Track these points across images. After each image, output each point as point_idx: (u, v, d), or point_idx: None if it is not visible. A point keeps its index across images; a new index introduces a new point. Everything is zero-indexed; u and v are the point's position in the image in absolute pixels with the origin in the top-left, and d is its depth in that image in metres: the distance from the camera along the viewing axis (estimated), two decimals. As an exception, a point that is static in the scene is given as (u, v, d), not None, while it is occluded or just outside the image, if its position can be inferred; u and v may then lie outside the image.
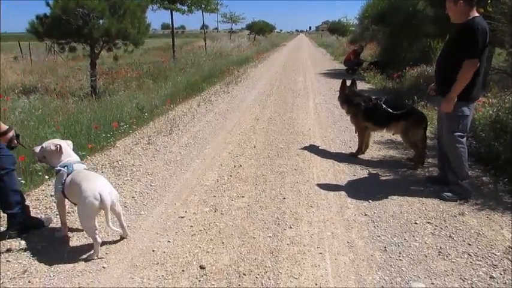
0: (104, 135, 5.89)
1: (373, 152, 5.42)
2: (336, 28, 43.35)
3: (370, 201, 3.89)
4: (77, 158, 3.22)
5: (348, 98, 5.29)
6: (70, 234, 3.27)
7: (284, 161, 5.07)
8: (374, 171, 4.74)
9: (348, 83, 5.57)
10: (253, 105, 8.80)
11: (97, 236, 2.88)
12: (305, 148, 5.62)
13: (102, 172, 4.79)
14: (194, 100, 9.56)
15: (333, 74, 14.76)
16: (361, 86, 11.69)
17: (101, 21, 8.84)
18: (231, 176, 4.59)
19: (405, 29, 13.27)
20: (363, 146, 5.31)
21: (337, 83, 12.13)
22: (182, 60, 16.17)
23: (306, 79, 13.30)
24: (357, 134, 5.39)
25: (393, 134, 5.34)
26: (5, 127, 2.98)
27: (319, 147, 5.67)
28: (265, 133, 6.44)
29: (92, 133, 5.84)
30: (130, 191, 4.17)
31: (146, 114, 7.46)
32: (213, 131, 6.63)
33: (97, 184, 2.84)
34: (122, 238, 3.20)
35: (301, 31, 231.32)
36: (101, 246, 2.97)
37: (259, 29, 43.39)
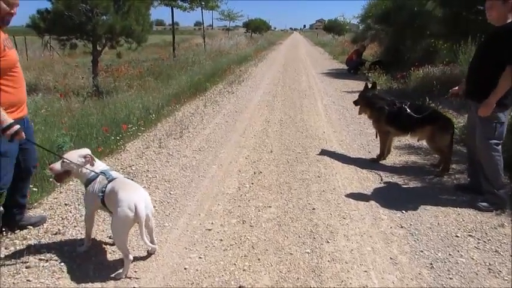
0: (112, 137, 5.65)
1: (394, 158, 5.26)
2: (332, 27, 43.22)
3: (403, 211, 3.72)
4: (106, 166, 3.04)
5: (371, 102, 5.11)
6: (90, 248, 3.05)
7: (305, 167, 4.88)
8: (399, 179, 4.57)
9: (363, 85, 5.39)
10: (260, 106, 8.60)
11: (129, 253, 2.70)
12: (323, 153, 5.43)
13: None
14: (199, 100, 9.33)
15: (335, 74, 14.61)
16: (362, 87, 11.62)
17: (104, 17, 8.56)
18: (252, 183, 4.39)
19: (409, 28, 13.17)
20: (385, 151, 5.14)
21: (341, 84, 12.11)
22: (182, 58, 15.92)
23: (309, 79, 13.13)
24: (378, 138, 5.23)
25: (418, 140, 5.17)
26: (10, 120, 2.68)
27: (338, 152, 5.50)
28: (280, 136, 6.25)
29: (101, 135, 5.60)
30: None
31: (153, 115, 7.23)
32: (225, 133, 6.43)
33: (134, 195, 2.64)
34: (149, 254, 2.99)
35: (295, 29, 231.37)
36: (129, 263, 2.76)
37: (256, 26, 43.15)
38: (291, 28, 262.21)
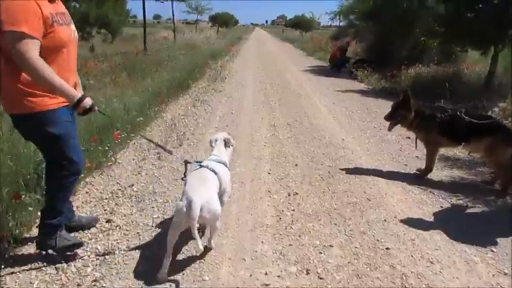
0: (100, 147, 4.60)
1: (436, 172, 4.55)
2: (299, 23, 42.82)
3: (492, 249, 3.00)
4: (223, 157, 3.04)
5: (419, 111, 4.35)
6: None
7: (346, 186, 4.08)
8: (458, 199, 3.87)
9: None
10: (257, 108, 7.72)
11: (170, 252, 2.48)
12: (356, 166, 4.66)
13: (116, 205, 3.56)
14: (185, 99, 8.32)
15: (318, 72, 13.95)
16: (355, 86, 11.01)
17: (76, 4, 7.32)
18: (293, 210, 3.53)
19: (398, 25, 12.68)
20: (433, 165, 4.43)
21: (329, 82, 11.43)
22: (154, 52, 14.68)
23: (294, 76, 12.38)
24: (416, 148, 4.58)
25: (470, 153, 4.50)
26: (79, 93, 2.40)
27: (371, 165, 4.76)
28: (296, 145, 5.41)
29: (83, 145, 4.52)
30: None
31: (140, 118, 6.17)
32: (231, 141, 5.49)
33: (192, 192, 2.42)
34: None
35: (256, 25, 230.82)
36: None
37: (223, 21, 41.92)
38: (252, 23, 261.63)
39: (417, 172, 4.51)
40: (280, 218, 3.37)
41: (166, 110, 7.27)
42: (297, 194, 3.86)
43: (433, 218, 3.49)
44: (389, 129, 4.59)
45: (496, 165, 4.13)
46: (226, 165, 2.97)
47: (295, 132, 6.04)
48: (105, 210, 3.48)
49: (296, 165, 4.64)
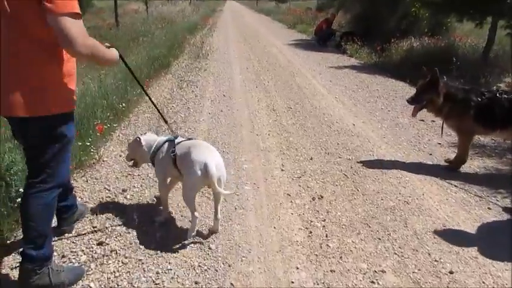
0: (79, 143, 3.86)
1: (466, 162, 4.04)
2: (274, -6, 41.52)
3: None
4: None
5: (450, 94, 3.77)
6: None
7: (375, 185, 3.52)
8: (503, 198, 3.38)
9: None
10: (250, 88, 7.03)
11: (195, 210, 2.58)
12: (379, 159, 4.12)
13: (108, 219, 2.89)
14: (168, 80, 7.53)
15: (304, 46, 13.24)
16: (346, 61, 10.42)
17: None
18: (323, 220, 2.95)
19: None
20: (467, 156, 3.91)
21: (319, 57, 10.76)
22: (127, 26, 13.57)
23: (281, 52, 11.66)
24: (442, 136, 4.09)
25: (504, 140, 4.01)
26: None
27: (392, 156, 4.24)
28: (304, 132, 4.81)
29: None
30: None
31: (122, 104, 5.41)
32: (230, 129, 4.85)
33: (204, 156, 2.52)
34: (210, 233, 2.68)
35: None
36: None
37: (196, -8, 40.00)
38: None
39: (447, 163, 3.99)
40: (310, 232, 2.79)
41: (149, 93, 6.46)
42: (322, 197, 3.28)
43: (485, 224, 2.98)
44: (414, 114, 4.00)
45: None
46: None
47: (299, 117, 5.42)
48: (94, 227, 2.81)
49: (311, 159, 4.05)
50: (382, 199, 3.27)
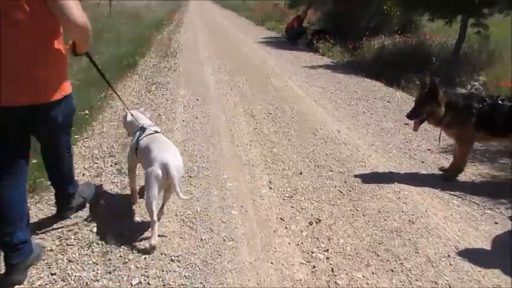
0: (35, 160, 3.34)
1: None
2: (240, -11, 40.87)
3: None
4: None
5: (451, 103, 3.51)
6: None
7: (375, 202, 3.23)
8: (508, 209, 3.17)
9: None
10: (225, 91, 6.62)
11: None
12: (373, 171, 3.84)
13: (70, 261, 2.43)
14: (134, 81, 7.01)
15: (275, 44, 12.91)
16: (319, 60, 10.17)
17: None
18: (325, 250, 2.62)
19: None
20: (464, 165, 3.71)
21: (292, 57, 10.42)
22: (89, 21, 12.72)
23: (252, 51, 11.27)
24: (439, 144, 3.86)
25: (506, 145, 3.83)
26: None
27: (384, 166, 3.98)
28: (288, 142, 4.47)
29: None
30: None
31: (85, 111, 4.88)
32: (207, 140, 4.44)
33: (164, 155, 2.49)
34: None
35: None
36: None
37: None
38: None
39: (442, 172, 3.77)
40: (314, 267, 2.44)
41: (114, 97, 5.92)
42: (319, 221, 2.94)
43: (498, 241, 2.74)
44: (415, 129, 3.70)
45: None
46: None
47: (281, 123, 5.07)
48: (52, 274, 2.34)
49: (301, 173, 3.71)
50: (385, 219, 2.97)
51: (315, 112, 5.60)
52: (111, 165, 3.73)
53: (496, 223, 2.99)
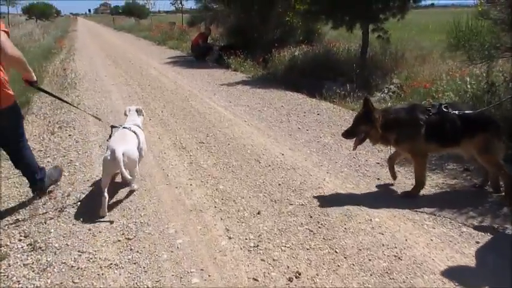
0: None
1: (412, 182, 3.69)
2: (132, 10, 39.55)
3: None
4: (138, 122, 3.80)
5: (392, 120, 3.37)
6: None
7: (351, 239, 2.87)
8: (481, 223, 3.03)
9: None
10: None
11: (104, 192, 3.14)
12: (334, 198, 3.51)
13: None
14: (30, 123, 6.00)
15: (183, 63, 12.39)
16: (233, 76, 9.85)
17: None
18: (321, 313, 2.14)
19: (258, 4, 11.82)
20: (425, 179, 3.52)
21: (205, 75, 9.95)
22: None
23: (161, 73, 10.59)
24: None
25: (465, 156, 3.69)
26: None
27: (343, 188, 3.69)
28: (233, 175, 3.99)
29: None
30: None
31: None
32: (139, 186, 3.74)
33: (114, 144, 3.21)
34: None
35: (77, 14, 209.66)
36: None
37: (41, 12, 35.70)
38: (71, 13, 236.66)
39: (408, 191, 3.56)
40: None
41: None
42: (299, 274, 2.48)
43: (484, 264, 2.53)
44: (354, 148, 3.59)
45: (491, 166, 3.41)
46: (140, 128, 3.77)
47: (218, 153, 4.55)
48: None
49: (259, 213, 3.23)
50: (369, 259, 2.61)
51: (249, 135, 5.17)
52: (20, 243, 2.88)
53: (477, 242, 2.79)
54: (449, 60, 8.00)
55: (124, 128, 3.55)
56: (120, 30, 34.79)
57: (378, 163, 4.21)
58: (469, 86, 5.15)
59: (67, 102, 4.21)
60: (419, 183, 3.48)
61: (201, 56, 12.75)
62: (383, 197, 3.47)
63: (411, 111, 3.41)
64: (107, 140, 3.50)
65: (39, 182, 3.40)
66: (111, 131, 3.62)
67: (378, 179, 3.85)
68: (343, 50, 10.76)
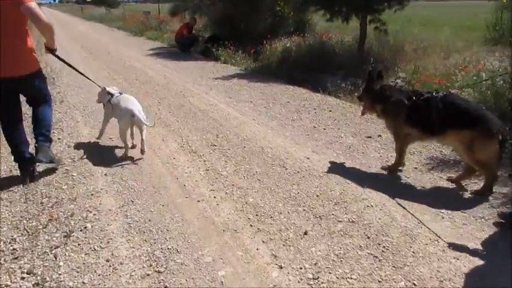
0: None
1: (428, 176, 3.36)
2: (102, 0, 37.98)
3: None
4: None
5: (383, 95, 3.56)
6: None
7: (424, 267, 2.43)
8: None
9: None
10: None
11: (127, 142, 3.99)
12: (385, 213, 3.06)
13: None
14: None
15: (167, 55, 11.70)
16: (226, 69, 9.29)
17: None
18: None
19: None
20: (402, 160, 3.63)
21: (195, 68, 9.35)
22: None
23: (146, 66, 9.89)
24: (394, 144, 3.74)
25: (446, 145, 3.72)
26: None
27: (392, 199, 3.22)
28: (260, 184, 3.51)
29: None
30: None
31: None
32: (152, 199, 3.22)
33: (131, 105, 3.89)
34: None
35: (40, 4, 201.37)
36: None
37: None
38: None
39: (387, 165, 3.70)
40: None
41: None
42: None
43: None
44: (362, 113, 3.97)
45: (475, 163, 3.19)
46: None
47: (235, 158, 4.05)
48: None
49: (305, 233, 2.76)
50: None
51: (263, 135, 4.68)
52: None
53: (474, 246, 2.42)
54: (455, 54, 7.74)
55: (121, 93, 4.23)
56: (90, 20, 33.23)
57: (416, 168, 3.81)
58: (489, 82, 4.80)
59: (77, 70, 4.43)
60: (396, 163, 3.64)
61: (186, 47, 12.09)
62: (439, 210, 3.05)
63: (401, 93, 3.53)
64: (108, 102, 4.15)
65: (49, 141, 3.60)
66: (110, 95, 4.19)
67: (423, 187, 3.44)
68: (337, 41, 10.36)
